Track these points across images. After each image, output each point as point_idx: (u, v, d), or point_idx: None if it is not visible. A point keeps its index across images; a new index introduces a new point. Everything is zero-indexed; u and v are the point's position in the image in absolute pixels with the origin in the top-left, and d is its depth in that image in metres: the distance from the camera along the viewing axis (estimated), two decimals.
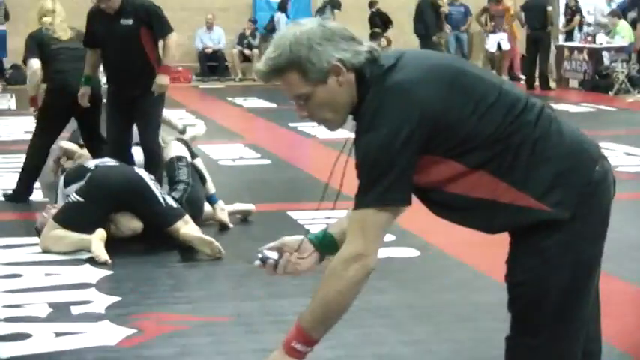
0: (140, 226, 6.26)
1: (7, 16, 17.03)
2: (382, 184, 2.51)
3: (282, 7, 19.72)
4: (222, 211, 6.81)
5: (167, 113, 7.56)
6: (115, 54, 7.17)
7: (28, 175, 7.76)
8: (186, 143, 7.17)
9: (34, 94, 7.89)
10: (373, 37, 19.30)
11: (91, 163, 6.43)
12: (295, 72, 2.58)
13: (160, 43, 7.29)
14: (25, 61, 7.86)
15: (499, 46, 19.57)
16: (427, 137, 2.52)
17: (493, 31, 19.56)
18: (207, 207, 6.84)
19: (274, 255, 2.86)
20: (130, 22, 7.11)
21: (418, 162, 2.55)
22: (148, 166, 6.92)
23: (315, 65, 2.57)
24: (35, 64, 7.62)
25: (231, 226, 6.80)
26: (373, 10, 19.94)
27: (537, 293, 2.61)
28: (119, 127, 7.29)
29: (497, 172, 2.56)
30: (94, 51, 7.38)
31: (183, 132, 7.40)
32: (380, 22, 19.86)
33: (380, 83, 2.56)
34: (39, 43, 7.66)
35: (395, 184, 2.52)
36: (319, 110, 2.63)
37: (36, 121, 7.92)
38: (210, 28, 20.04)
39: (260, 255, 2.88)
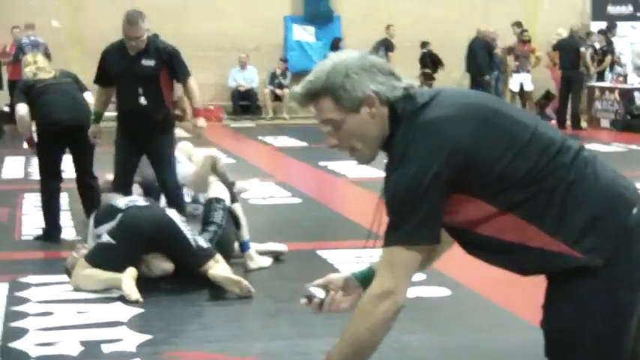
0: (172, 267, 6.30)
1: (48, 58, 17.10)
2: (411, 223, 2.51)
3: (335, 47, 19.72)
4: (252, 260, 6.82)
5: (223, 163, 7.55)
6: (133, 93, 7.26)
7: (49, 212, 7.87)
8: (229, 186, 7.19)
9: (28, 135, 8.16)
10: (424, 77, 19.47)
11: (121, 203, 6.45)
12: (329, 98, 2.60)
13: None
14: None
15: (522, 87, 19.52)
16: (457, 176, 2.51)
17: (517, 71, 19.54)
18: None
19: (321, 293, 2.85)
20: (152, 63, 7.23)
21: (448, 200, 2.54)
22: (170, 205, 6.97)
23: (349, 93, 2.59)
24: (22, 108, 7.85)
25: (268, 264, 6.82)
26: (425, 50, 20.03)
27: (572, 340, 2.56)
28: (128, 164, 7.38)
29: (528, 215, 2.53)
30: (105, 89, 7.51)
31: (231, 185, 7.45)
32: (430, 62, 19.96)
33: (412, 119, 2.56)
34: (26, 89, 7.92)
35: (423, 223, 2.52)
36: (348, 139, 2.64)
37: (37, 158, 8.09)
38: (243, 67, 20.18)
39: (306, 292, 2.87)
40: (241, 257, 6.84)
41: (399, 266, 2.54)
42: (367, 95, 2.59)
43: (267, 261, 6.89)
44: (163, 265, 6.27)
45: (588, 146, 13.96)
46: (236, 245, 6.91)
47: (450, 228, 2.63)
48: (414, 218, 2.51)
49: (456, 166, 2.51)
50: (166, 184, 7.24)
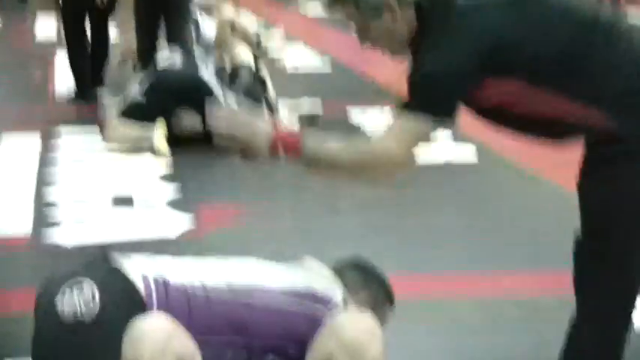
0: (200, 124, 6.35)
1: None
2: (431, 97, 2.51)
3: None
4: (281, 119, 6.89)
5: (241, 23, 7.54)
6: None
7: (78, 72, 7.93)
8: (254, 44, 7.24)
9: None
10: None
11: (159, 62, 6.55)
12: (351, 5, 2.61)
13: None
14: None
15: None
16: (489, 59, 2.49)
17: None
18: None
19: None
20: None
21: (482, 84, 2.53)
22: None
23: (369, 1, 2.59)
24: None
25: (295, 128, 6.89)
26: None
27: (605, 204, 2.56)
28: (148, 29, 7.38)
29: (563, 89, 2.51)
30: None
31: (258, 45, 7.46)
32: None
33: (441, 12, 2.55)
34: None
35: (444, 100, 2.52)
36: (377, 42, 2.65)
37: (62, 21, 8.15)
38: None
39: None
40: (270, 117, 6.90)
41: (407, 135, 2.53)
42: (385, 2, 2.58)
43: (295, 124, 6.94)
44: (192, 121, 6.32)
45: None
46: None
47: (482, 110, 2.62)
48: (437, 96, 2.51)
49: (488, 50, 2.50)
50: (178, 39, 7.23)
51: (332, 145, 2.58)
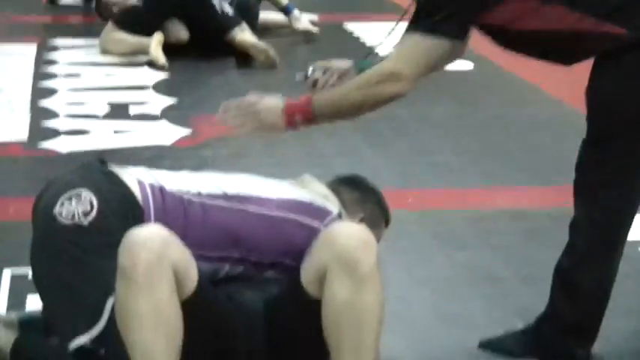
0: (186, 37, 6.30)
1: None
2: (439, 15, 2.48)
3: None
4: (298, 20, 6.85)
5: None
6: None
7: None
8: None
9: None
10: None
11: None
12: None
13: None
14: None
15: None
16: None
17: None
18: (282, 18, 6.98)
19: (318, 74, 2.82)
20: None
21: (492, 9, 2.50)
22: None
23: None
24: None
25: (315, 30, 6.82)
26: None
27: (611, 107, 2.56)
28: None
29: (573, 3, 2.50)
30: None
31: None
32: None
33: None
34: None
35: (453, 18, 2.49)
36: None
37: None
38: None
39: (304, 71, 2.85)
40: (287, 27, 6.84)
41: (416, 54, 2.51)
42: None
43: (314, 28, 6.88)
44: (179, 34, 6.27)
45: None
46: (281, 16, 6.95)
47: (490, 29, 2.60)
48: (444, 13, 2.47)
49: None
50: None
51: (339, 93, 2.59)
